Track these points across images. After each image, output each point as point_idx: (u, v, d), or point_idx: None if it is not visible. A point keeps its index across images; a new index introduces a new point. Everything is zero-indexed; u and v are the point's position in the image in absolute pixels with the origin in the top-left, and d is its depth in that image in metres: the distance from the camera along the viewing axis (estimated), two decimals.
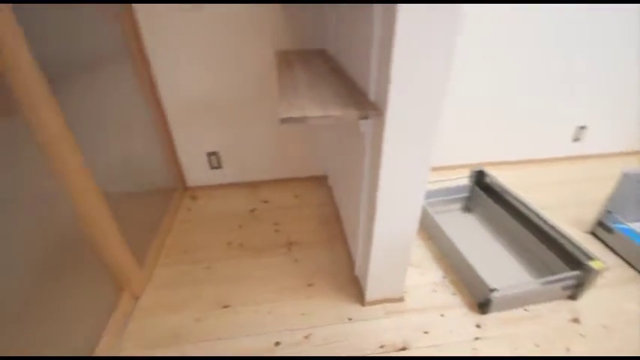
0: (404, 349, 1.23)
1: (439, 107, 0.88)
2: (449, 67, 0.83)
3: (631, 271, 1.55)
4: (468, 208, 1.95)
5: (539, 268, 1.53)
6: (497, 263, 1.58)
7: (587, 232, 1.78)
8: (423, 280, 1.51)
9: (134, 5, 1.55)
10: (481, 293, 1.34)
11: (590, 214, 1.84)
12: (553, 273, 1.39)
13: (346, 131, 1.43)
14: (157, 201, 1.79)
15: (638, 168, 1.62)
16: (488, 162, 2.41)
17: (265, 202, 2.06)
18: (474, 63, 1.99)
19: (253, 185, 2.21)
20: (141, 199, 1.61)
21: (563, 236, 1.48)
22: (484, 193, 1.87)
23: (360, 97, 1.00)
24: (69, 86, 1.10)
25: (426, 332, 1.28)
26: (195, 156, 2.05)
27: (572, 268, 1.39)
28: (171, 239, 1.77)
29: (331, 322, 1.33)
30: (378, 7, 0.85)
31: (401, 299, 1.41)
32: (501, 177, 1.90)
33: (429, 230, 1.74)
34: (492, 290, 1.28)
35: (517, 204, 1.72)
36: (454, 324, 1.32)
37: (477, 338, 1.26)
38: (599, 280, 1.41)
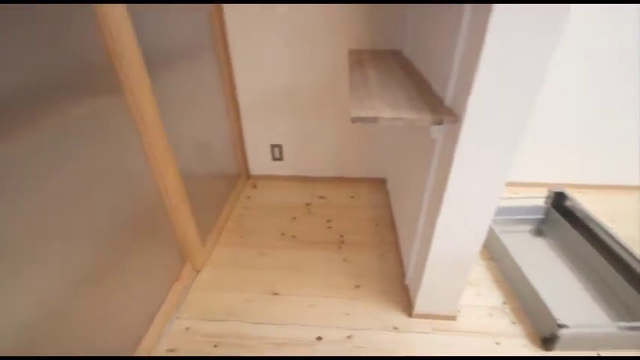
0: None
1: (525, 119, 0.81)
2: (542, 78, 0.76)
3: None
4: (539, 232, 1.77)
5: (618, 310, 1.33)
6: (569, 297, 1.41)
7: None
8: (480, 301, 1.41)
9: (224, 5, 1.67)
10: (547, 327, 1.21)
11: None
12: (635, 318, 1.20)
13: (413, 136, 1.39)
14: (222, 185, 1.91)
15: None
16: (568, 183, 2.15)
17: (321, 197, 2.09)
18: (564, 73, 1.78)
19: (311, 180, 2.25)
20: (209, 182, 1.73)
21: None
22: (562, 217, 1.68)
23: (434, 101, 0.96)
24: (161, 73, 1.22)
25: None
26: (260, 147, 2.15)
27: None
28: (231, 222, 1.89)
29: (375, 327, 1.31)
30: (467, 7, 0.81)
31: (452, 318, 1.33)
32: (582, 202, 1.69)
33: (492, 250, 1.61)
34: (561, 326, 1.15)
35: (602, 234, 1.51)
36: (511, 355, 1.21)
37: None
38: None
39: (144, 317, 1.20)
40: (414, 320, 1.33)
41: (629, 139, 1.98)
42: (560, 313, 1.16)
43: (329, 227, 1.84)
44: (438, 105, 0.93)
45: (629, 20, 1.64)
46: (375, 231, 1.81)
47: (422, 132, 1.21)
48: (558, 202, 1.74)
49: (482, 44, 0.72)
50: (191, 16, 1.44)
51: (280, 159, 2.19)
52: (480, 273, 1.54)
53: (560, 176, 2.15)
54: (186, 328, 1.30)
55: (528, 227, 1.79)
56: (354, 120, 0.86)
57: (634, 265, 1.36)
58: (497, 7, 0.69)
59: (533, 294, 1.28)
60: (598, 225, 1.54)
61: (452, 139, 0.90)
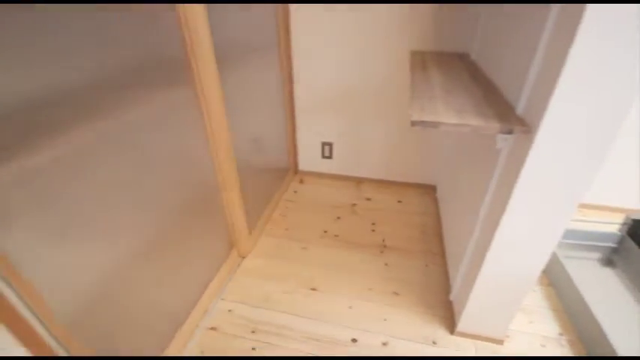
0: None
1: (614, 135, 0.72)
2: (637, 86, 0.67)
3: None
4: (609, 262, 1.58)
5: None
6: (637, 336, 1.24)
7: None
8: (532, 329, 1.29)
9: (290, 5, 1.72)
10: None
11: None
12: None
13: (474, 144, 1.31)
14: (271, 178, 1.97)
15: None
16: None
17: (367, 199, 2.06)
18: None
19: (358, 181, 2.24)
20: (259, 173, 1.79)
21: None
22: (639, 247, 1.48)
23: (504, 108, 0.89)
24: (228, 67, 1.28)
25: None
26: (311, 143, 2.18)
27: None
28: (277, 214, 1.94)
29: (413, 338, 1.26)
30: (554, 7, 0.74)
31: (499, 342, 1.24)
32: None
33: (552, 275, 1.48)
34: None
35: None
36: None
37: None
38: None
39: (193, 292, 1.29)
40: (455, 338, 1.27)
41: None
42: (625, 352, 1.03)
43: (373, 230, 1.82)
44: (507, 113, 0.87)
45: None
46: (421, 239, 1.75)
47: (485, 141, 1.13)
48: (636, 230, 1.53)
49: (570, 47, 0.66)
50: (260, 14, 1.50)
51: (330, 157, 2.20)
52: (535, 299, 1.42)
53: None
54: (229, 310, 1.37)
55: (597, 255, 1.61)
56: (413, 124, 0.83)
57: None
58: (590, 7, 0.62)
59: (596, 329, 1.15)
60: None
61: (521, 151, 0.84)
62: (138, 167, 0.92)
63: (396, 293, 1.45)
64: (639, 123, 1.67)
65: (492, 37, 1.23)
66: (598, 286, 1.45)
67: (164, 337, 1.14)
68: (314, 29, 1.77)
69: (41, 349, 0.68)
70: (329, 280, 1.51)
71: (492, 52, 1.20)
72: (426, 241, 1.73)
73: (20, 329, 0.64)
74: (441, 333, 1.29)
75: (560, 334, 1.27)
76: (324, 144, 2.16)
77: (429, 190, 2.14)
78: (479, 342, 1.25)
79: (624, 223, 1.57)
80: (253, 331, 1.29)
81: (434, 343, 1.25)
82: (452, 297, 1.37)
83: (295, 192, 2.15)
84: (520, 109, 0.86)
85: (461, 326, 1.24)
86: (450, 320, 1.32)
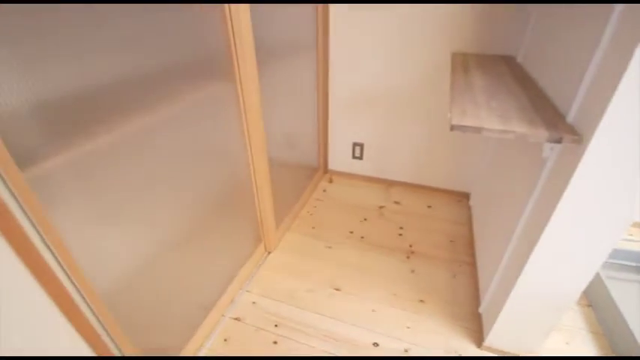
0: None
1: None
2: None
3: None
4: None
5: None
6: None
7: None
8: (567, 350, 1.22)
9: (330, 4, 1.72)
10: None
11: None
12: None
13: (516, 152, 1.25)
14: (301, 175, 1.98)
15: None
16: None
17: (396, 203, 2.03)
18: None
19: (387, 183, 2.20)
20: (290, 170, 1.81)
21: None
22: None
23: (551, 115, 0.85)
24: (267, 64, 1.30)
25: None
26: (342, 143, 2.17)
27: None
28: (305, 212, 1.95)
29: (436, 348, 1.23)
30: (617, 7, 0.69)
31: None
32: None
33: (593, 296, 1.38)
34: None
35: None
36: None
37: None
38: None
39: (220, 282, 1.32)
40: (482, 352, 1.22)
41: None
42: None
43: (400, 235, 1.78)
44: (556, 120, 0.82)
45: None
46: (450, 247, 1.70)
47: (528, 149, 1.08)
48: None
49: (636, 48, 0.61)
50: (300, 13, 1.51)
51: (360, 158, 2.18)
52: (573, 320, 1.33)
53: None
54: (253, 302, 1.40)
55: None
56: (453, 128, 0.80)
57: None
58: None
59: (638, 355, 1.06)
60: None
61: (569, 162, 0.79)
62: (178, 159, 0.95)
63: (421, 301, 1.42)
64: None
65: (543, 39, 1.17)
66: None
67: (192, 323, 1.18)
68: (353, 29, 1.76)
69: (79, 318, 0.72)
70: (353, 282, 1.50)
71: (542, 55, 1.14)
72: (455, 250, 1.68)
73: (64, 302, 0.69)
74: (466, 345, 1.24)
75: None
76: (355, 144, 2.14)
77: (461, 197, 2.07)
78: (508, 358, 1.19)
79: None
80: (276, 325, 1.31)
81: (458, 355, 1.21)
82: (481, 309, 1.31)
83: (324, 191, 2.15)
84: (571, 116, 0.81)
85: (489, 340, 1.19)
86: (477, 333, 1.27)
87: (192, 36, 0.92)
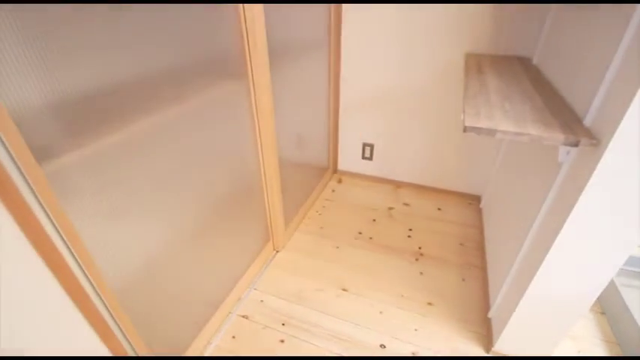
0: None
1: None
2: None
3: None
4: None
5: None
6: None
7: None
8: None
9: (344, 4, 1.72)
10: None
11: None
12: None
13: (530, 155, 1.23)
14: (311, 175, 1.98)
15: None
16: None
17: (405, 204, 2.01)
18: None
19: (397, 184, 2.19)
20: (299, 169, 1.81)
21: None
22: None
23: (568, 118, 0.83)
24: (279, 63, 1.30)
25: None
26: (352, 144, 2.17)
27: None
28: (313, 212, 1.95)
29: (443, 352, 1.22)
30: (639, 8, 0.67)
31: None
32: None
33: (607, 304, 1.35)
34: None
35: None
36: None
37: None
38: None
39: (229, 279, 1.33)
40: (491, 357, 1.20)
41: None
42: None
43: (409, 236, 1.77)
44: (573, 123, 0.80)
45: None
46: (460, 250, 1.68)
47: (543, 152, 1.06)
48: None
49: None
50: (313, 13, 1.51)
51: (370, 158, 2.17)
52: (585, 327, 1.30)
53: None
54: (261, 300, 1.40)
55: None
56: (467, 130, 0.80)
57: None
58: None
59: None
60: None
61: (586, 166, 0.77)
62: (189, 157, 0.97)
63: (429, 304, 1.40)
64: None
65: (560, 40, 1.15)
66: None
67: (201, 319, 1.19)
68: (365, 29, 1.75)
69: (90, 309, 0.73)
70: (361, 283, 1.49)
71: (558, 57, 1.12)
72: (464, 253, 1.66)
73: (77, 294, 0.70)
74: (475, 350, 1.23)
75: None
76: (365, 145, 2.14)
77: (471, 199, 2.04)
78: None
79: None
80: (283, 324, 1.31)
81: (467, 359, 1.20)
82: (491, 314, 1.30)
83: (333, 191, 2.15)
84: (588, 120, 0.79)
85: (498, 346, 1.18)
86: (486, 338, 1.26)
87: (206, 35, 0.93)
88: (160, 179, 0.88)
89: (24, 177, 0.57)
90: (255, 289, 1.46)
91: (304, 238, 1.76)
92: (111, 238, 0.77)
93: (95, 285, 0.74)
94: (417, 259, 1.62)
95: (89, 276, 0.72)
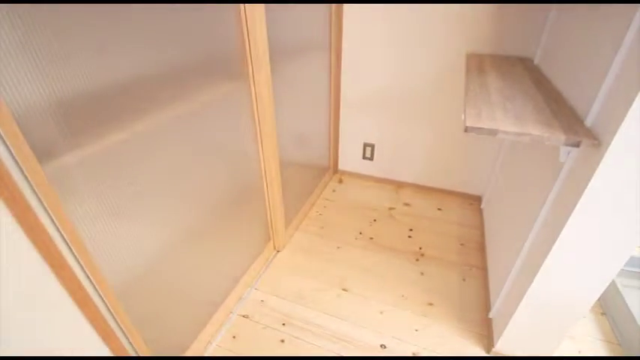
0: None
1: None
2: None
3: None
4: None
5: None
6: None
7: None
8: None
9: (345, 4, 1.71)
10: None
11: None
12: None
13: (531, 155, 1.23)
14: (311, 175, 1.98)
15: None
16: None
17: (406, 204, 2.01)
18: None
19: (397, 185, 2.19)
20: (300, 169, 1.81)
21: None
22: None
23: (569, 118, 0.83)
24: (279, 64, 1.30)
25: None
26: (353, 144, 2.17)
27: None
28: (314, 212, 1.95)
29: (445, 353, 1.22)
30: None
31: None
32: None
33: (607, 304, 1.35)
34: None
35: None
36: None
37: None
38: None
39: (230, 279, 1.33)
40: (491, 357, 1.20)
41: None
42: None
43: (410, 237, 1.77)
44: (574, 123, 0.80)
45: None
46: (460, 251, 1.68)
47: (544, 152, 1.06)
48: None
49: None
50: (314, 13, 1.51)
51: (370, 159, 2.17)
52: (585, 328, 1.30)
53: None
54: (261, 300, 1.40)
55: None
56: (468, 130, 0.79)
57: None
58: None
59: None
60: None
61: (587, 166, 0.77)
62: (190, 157, 0.97)
63: (430, 304, 1.40)
64: None
65: (561, 40, 1.14)
66: None
67: (201, 318, 1.19)
68: (366, 28, 1.75)
69: (91, 308, 0.74)
70: (361, 283, 1.49)
71: (560, 57, 1.12)
72: (465, 254, 1.66)
73: (78, 294, 0.70)
74: (476, 350, 1.23)
75: None
76: (365, 145, 2.13)
77: (472, 200, 2.04)
78: None
79: None
80: (284, 324, 1.31)
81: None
82: (491, 314, 1.30)
83: (333, 191, 2.15)
84: (590, 120, 0.79)
85: (499, 346, 1.17)
86: (487, 339, 1.26)
87: (207, 35, 0.93)
88: (161, 178, 0.88)
89: (25, 177, 0.57)
90: (255, 288, 1.46)
91: (305, 237, 1.76)
92: (112, 237, 0.77)
93: (96, 285, 0.74)
94: (417, 260, 1.62)
95: (90, 276, 0.72)
